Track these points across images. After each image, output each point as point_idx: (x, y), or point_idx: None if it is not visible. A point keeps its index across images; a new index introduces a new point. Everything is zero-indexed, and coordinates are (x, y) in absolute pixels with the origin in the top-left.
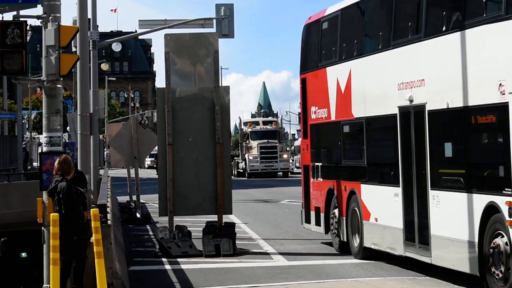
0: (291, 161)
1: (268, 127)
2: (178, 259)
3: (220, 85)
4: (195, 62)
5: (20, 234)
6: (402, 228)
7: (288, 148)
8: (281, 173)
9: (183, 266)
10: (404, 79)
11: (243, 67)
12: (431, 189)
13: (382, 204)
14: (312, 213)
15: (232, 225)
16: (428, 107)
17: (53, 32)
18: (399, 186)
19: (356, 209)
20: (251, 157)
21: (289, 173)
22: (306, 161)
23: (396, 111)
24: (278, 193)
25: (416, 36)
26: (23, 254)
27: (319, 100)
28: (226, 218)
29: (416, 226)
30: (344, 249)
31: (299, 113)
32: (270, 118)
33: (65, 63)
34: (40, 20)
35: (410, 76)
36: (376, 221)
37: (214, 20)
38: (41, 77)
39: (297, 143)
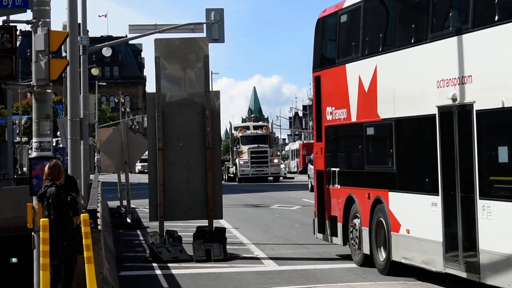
0: (283, 166)
1: (259, 131)
2: (169, 264)
3: (210, 89)
4: (185, 67)
5: (10, 239)
6: (442, 241)
7: (278, 153)
8: (271, 177)
9: (173, 271)
10: (445, 76)
11: (234, 71)
12: (480, 199)
13: (415, 214)
14: (327, 222)
15: (222, 230)
16: (476, 107)
17: (43, 37)
18: (438, 195)
19: (382, 219)
20: (241, 162)
21: (281, 178)
22: (320, 166)
23: (434, 111)
24: (268, 197)
25: (462, 27)
26: (14, 260)
27: (337, 99)
28: (217, 223)
29: (460, 240)
30: (367, 263)
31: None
32: (260, 123)
33: (55, 68)
34: (30, 25)
35: (453, 72)
36: (408, 233)
37: (204, 25)
38: (31, 82)
39: (288, 147)
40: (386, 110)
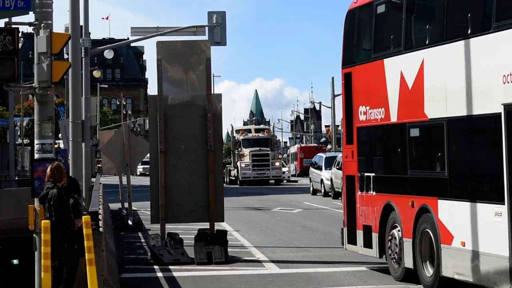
0: (286, 169)
1: (260, 134)
2: (170, 267)
3: (212, 92)
4: (187, 69)
5: (12, 241)
6: (508, 256)
7: (280, 156)
8: (273, 181)
9: (175, 274)
10: None
11: (236, 74)
12: None
13: (473, 225)
14: (359, 233)
15: (224, 232)
16: None
17: (45, 39)
18: (503, 204)
19: (429, 230)
20: (243, 165)
21: (285, 181)
22: (351, 171)
23: (499, 109)
24: (270, 200)
25: None
26: (15, 261)
27: (372, 98)
28: (218, 226)
29: None
30: (408, 278)
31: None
32: (262, 126)
33: (57, 70)
34: (32, 27)
35: None
36: (463, 245)
37: (206, 28)
38: (33, 84)
39: (291, 150)
40: (436, 109)
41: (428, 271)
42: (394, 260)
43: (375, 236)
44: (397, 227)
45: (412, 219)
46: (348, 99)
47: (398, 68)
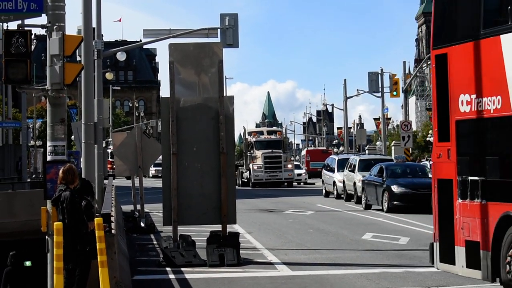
0: (303, 171)
1: (273, 137)
2: (182, 269)
3: (224, 94)
4: (199, 71)
5: (25, 243)
6: None
7: (292, 158)
8: (285, 183)
9: (187, 276)
10: None
11: (248, 76)
12: None
13: None
14: (460, 250)
15: (236, 234)
16: None
17: (58, 41)
18: None
19: None
20: (255, 167)
21: (302, 183)
22: (446, 174)
23: None
24: (282, 203)
25: None
26: (28, 263)
27: (480, 84)
28: (230, 228)
29: None
30: None
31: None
32: (274, 128)
33: (69, 72)
34: (45, 29)
35: None
36: None
37: (219, 30)
38: (46, 86)
39: (303, 153)
40: None
41: None
42: None
43: (485, 255)
44: None
45: None
46: (442, 86)
47: None
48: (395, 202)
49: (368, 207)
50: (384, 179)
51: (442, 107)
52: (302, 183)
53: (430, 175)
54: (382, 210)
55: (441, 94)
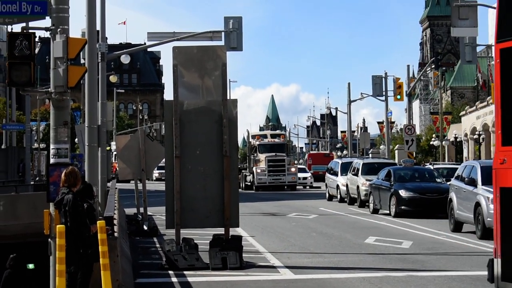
0: (308, 175)
1: (276, 140)
2: (185, 272)
3: (228, 98)
4: (203, 75)
5: (27, 245)
6: None
7: (296, 162)
8: (287, 186)
9: (189, 279)
10: None
11: (252, 80)
12: None
13: None
14: None
15: (239, 238)
16: None
17: (61, 44)
18: None
19: None
20: (258, 170)
21: (308, 187)
22: (511, 182)
23: None
24: (285, 206)
25: None
26: (30, 266)
27: None
28: (233, 231)
29: None
30: None
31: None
32: (278, 131)
33: (73, 75)
34: (48, 32)
35: None
36: None
37: (223, 33)
38: (49, 89)
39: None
40: None
41: None
42: None
43: None
44: None
45: None
46: (508, 83)
47: None
48: (402, 207)
49: (375, 211)
50: (392, 183)
51: (508, 107)
52: (308, 187)
53: (438, 180)
54: (389, 214)
55: (506, 91)
